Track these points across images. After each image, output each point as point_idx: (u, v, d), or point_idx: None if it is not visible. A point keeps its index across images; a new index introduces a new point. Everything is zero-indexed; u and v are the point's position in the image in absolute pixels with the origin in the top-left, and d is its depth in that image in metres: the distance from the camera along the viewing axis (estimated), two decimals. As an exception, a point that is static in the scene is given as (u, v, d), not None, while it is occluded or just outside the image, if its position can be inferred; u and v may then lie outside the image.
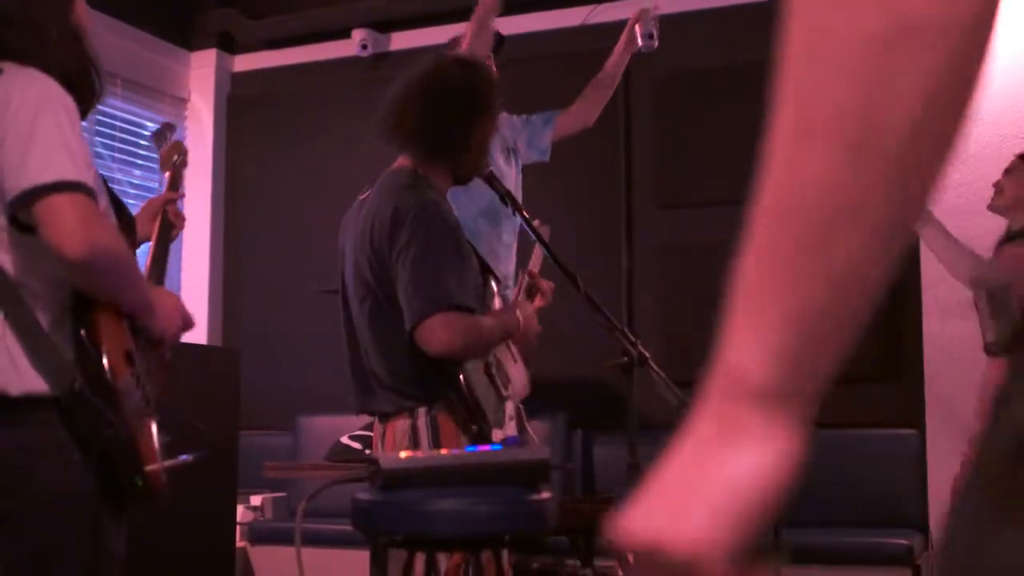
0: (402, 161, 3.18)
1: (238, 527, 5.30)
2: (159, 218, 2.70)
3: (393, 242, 3.00)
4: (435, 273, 2.96)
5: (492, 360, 3.12)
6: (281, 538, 5.64)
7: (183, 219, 2.79)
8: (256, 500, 6.10)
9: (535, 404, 5.30)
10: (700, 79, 6.20)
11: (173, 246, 2.74)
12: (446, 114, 3.11)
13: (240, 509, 5.54)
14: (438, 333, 2.94)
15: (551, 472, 2.17)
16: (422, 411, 3.01)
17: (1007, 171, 4.33)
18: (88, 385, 2.09)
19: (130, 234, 2.49)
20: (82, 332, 2.13)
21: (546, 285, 3.48)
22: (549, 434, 5.76)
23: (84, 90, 2.31)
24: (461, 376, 2.97)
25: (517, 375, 3.22)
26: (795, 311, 0.68)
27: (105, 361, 2.12)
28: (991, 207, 4.35)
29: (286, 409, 6.18)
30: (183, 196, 2.88)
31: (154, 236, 2.66)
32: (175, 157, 2.92)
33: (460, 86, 3.14)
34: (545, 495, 2.09)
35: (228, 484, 4.74)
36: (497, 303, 3.31)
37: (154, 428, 2.27)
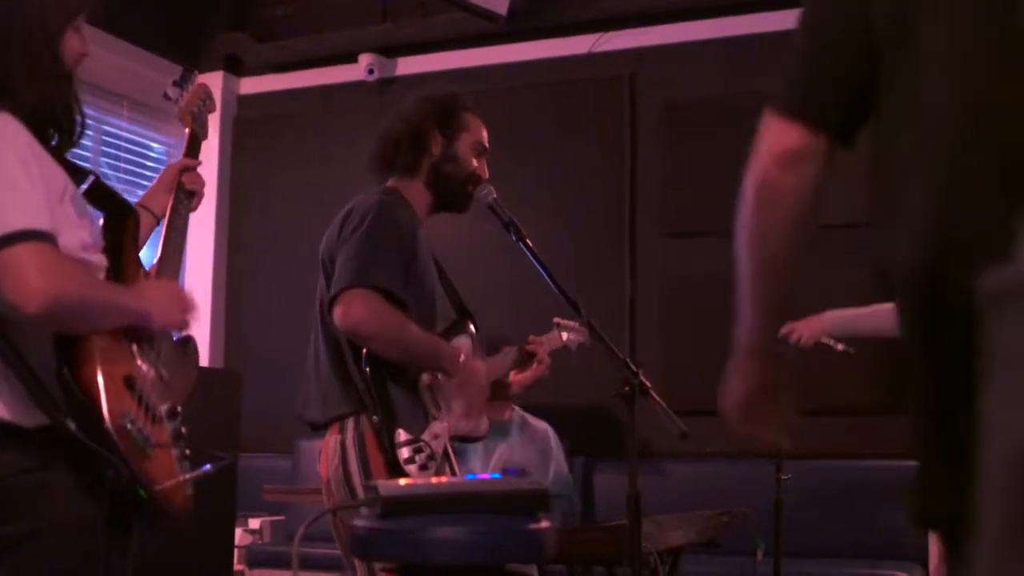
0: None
1: (236, 550, 5.28)
2: (175, 189, 2.62)
3: (341, 232, 3.06)
4: (367, 256, 2.96)
5: (431, 380, 3.06)
6: (279, 562, 5.62)
7: (202, 184, 2.68)
8: (255, 523, 6.08)
9: (536, 431, 5.31)
10: (705, 108, 6.22)
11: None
12: (393, 134, 3.26)
13: (238, 532, 5.52)
14: (355, 306, 2.90)
15: (550, 501, 2.17)
16: (350, 425, 2.98)
17: None
18: (80, 426, 2.03)
19: (133, 232, 2.43)
20: (65, 371, 2.06)
21: (546, 359, 3.49)
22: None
23: (62, 130, 2.27)
24: (381, 374, 2.93)
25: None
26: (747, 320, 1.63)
27: (100, 398, 2.05)
28: None
29: (286, 432, 6.16)
30: (200, 163, 2.73)
31: (168, 209, 2.57)
32: (195, 108, 2.78)
33: (403, 109, 3.29)
34: (544, 524, 2.08)
35: (227, 507, 4.73)
36: (463, 343, 3.25)
37: (171, 447, 2.23)
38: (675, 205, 6.21)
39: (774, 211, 1.58)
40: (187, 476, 2.22)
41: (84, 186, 2.31)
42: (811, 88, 1.48)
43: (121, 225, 2.37)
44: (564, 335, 3.68)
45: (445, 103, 3.28)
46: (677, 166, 6.23)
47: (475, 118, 3.30)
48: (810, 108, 1.48)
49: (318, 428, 3.09)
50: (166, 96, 2.80)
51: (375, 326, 2.92)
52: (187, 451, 2.27)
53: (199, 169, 2.72)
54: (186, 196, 2.63)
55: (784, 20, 6.11)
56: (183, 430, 2.29)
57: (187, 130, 2.77)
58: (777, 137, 1.53)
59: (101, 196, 2.37)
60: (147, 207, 2.60)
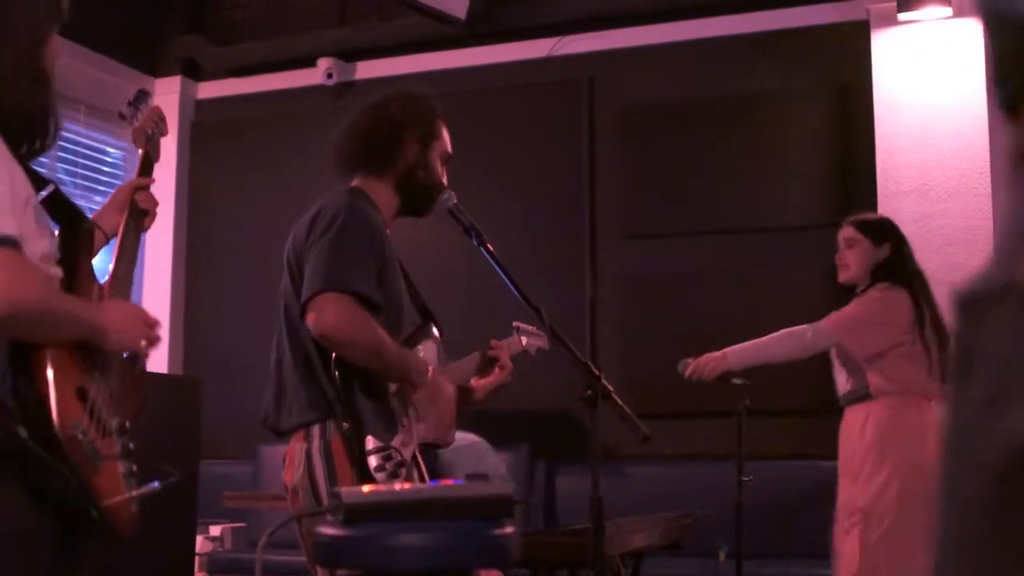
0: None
1: (197, 558, 5.25)
2: (127, 208, 2.57)
3: (310, 233, 2.98)
4: (341, 259, 2.89)
5: (399, 386, 3.03)
6: (241, 569, 5.59)
7: (155, 204, 2.63)
8: (215, 530, 6.04)
9: (498, 435, 5.30)
10: (664, 111, 6.25)
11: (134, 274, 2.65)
12: (372, 130, 3.18)
13: (199, 539, 5.49)
14: (328, 311, 2.83)
15: (514, 506, 2.16)
16: (316, 432, 2.95)
17: (848, 244, 4.31)
18: (32, 436, 1.98)
19: (87, 245, 2.40)
20: (20, 379, 2.03)
21: (508, 365, 3.47)
22: (512, 465, 5.75)
23: (36, 134, 2.25)
24: (351, 380, 2.88)
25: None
26: None
27: (51, 407, 2.01)
28: (842, 280, 4.35)
29: (246, 438, 6.13)
30: (153, 182, 2.70)
31: (121, 228, 2.54)
32: (149, 130, 2.74)
33: (387, 106, 3.22)
34: (508, 529, 2.08)
35: (187, 514, 4.70)
36: (429, 347, 3.21)
37: (118, 461, 2.20)
38: (634, 207, 6.24)
39: None
40: (134, 493, 2.18)
41: (43, 194, 2.29)
42: None
43: (76, 237, 2.34)
44: (523, 339, 3.67)
45: (425, 109, 3.24)
46: (636, 168, 6.26)
47: (444, 125, 3.29)
48: None
49: (282, 434, 3.05)
50: (120, 115, 2.79)
51: (349, 331, 2.87)
52: (134, 468, 2.24)
53: (153, 187, 2.70)
54: (138, 215, 2.60)
55: (740, 24, 6.19)
56: (131, 446, 2.25)
57: (140, 151, 2.74)
58: None
59: (58, 206, 2.34)
60: (99, 225, 2.57)
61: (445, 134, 3.27)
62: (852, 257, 4.29)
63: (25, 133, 2.21)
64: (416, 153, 3.18)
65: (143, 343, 2.33)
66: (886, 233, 4.31)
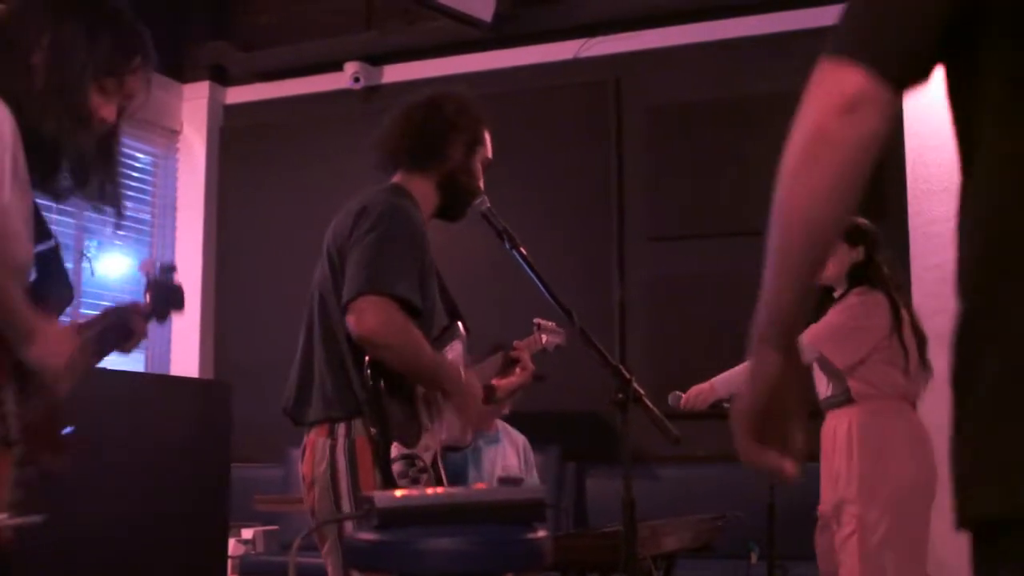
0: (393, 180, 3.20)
1: (229, 561, 5.27)
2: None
3: (354, 230, 2.96)
4: (385, 261, 2.88)
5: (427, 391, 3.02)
6: (273, 572, 5.60)
7: (143, 336, 2.68)
8: (247, 533, 6.07)
9: (528, 437, 5.30)
10: (691, 112, 6.23)
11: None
12: (423, 125, 3.17)
13: (231, 542, 5.52)
14: (369, 313, 2.81)
15: (546, 510, 2.17)
16: (342, 430, 2.92)
17: None
18: None
19: (58, 303, 2.37)
20: None
21: (530, 365, 3.47)
22: (542, 467, 5.75)
23: (58, 167, 2.27)
24: (381, 383, 2.87)
25: (449, 421, 3.11)
26: (776, 298, 1.37)
27: None
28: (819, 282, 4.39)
29: (277, 442, 6.16)
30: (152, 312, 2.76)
31: (98, 327, 2.53)
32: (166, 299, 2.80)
33: (441, 104, 3.21)
34: (541, 533, 2.08)
35: (219, 517, 4.72)
36: (456, 347, 3.20)
37: (8, 483, 2.14)
38: (662, 209, 6.22)
39: (827, 167, 1.36)
40: (10, 521, 2.14)
41: (41, 247, 2.29)
42: (878, 28, 1.31)
43: (48, 293, 2.33)
44: (544, 337, 3.68)
45: (476, 113, 3.23)
46: (663, 170, 6.24)
47: (487, 133, 3.28)
48: (875, 51, 1.31)
49: (301, 424, 3.04)
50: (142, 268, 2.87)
51: (387, 336, 2.85)
52: (23, 498, 2.20)
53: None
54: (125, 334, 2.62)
55: (766, 24, 6.16)
56: (26, 478, 2.21)
57: (147, 295, 2.77)
58: (834, 83, 1.31)
59: (52, 263, 2.35)
60: None
61: (488, 141, 3.27)
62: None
63: (45, 162, 2.22)
64: (462, 155, 3.18)
65: (60, 368, 2.28)
66: (861, 236, 4.33)
